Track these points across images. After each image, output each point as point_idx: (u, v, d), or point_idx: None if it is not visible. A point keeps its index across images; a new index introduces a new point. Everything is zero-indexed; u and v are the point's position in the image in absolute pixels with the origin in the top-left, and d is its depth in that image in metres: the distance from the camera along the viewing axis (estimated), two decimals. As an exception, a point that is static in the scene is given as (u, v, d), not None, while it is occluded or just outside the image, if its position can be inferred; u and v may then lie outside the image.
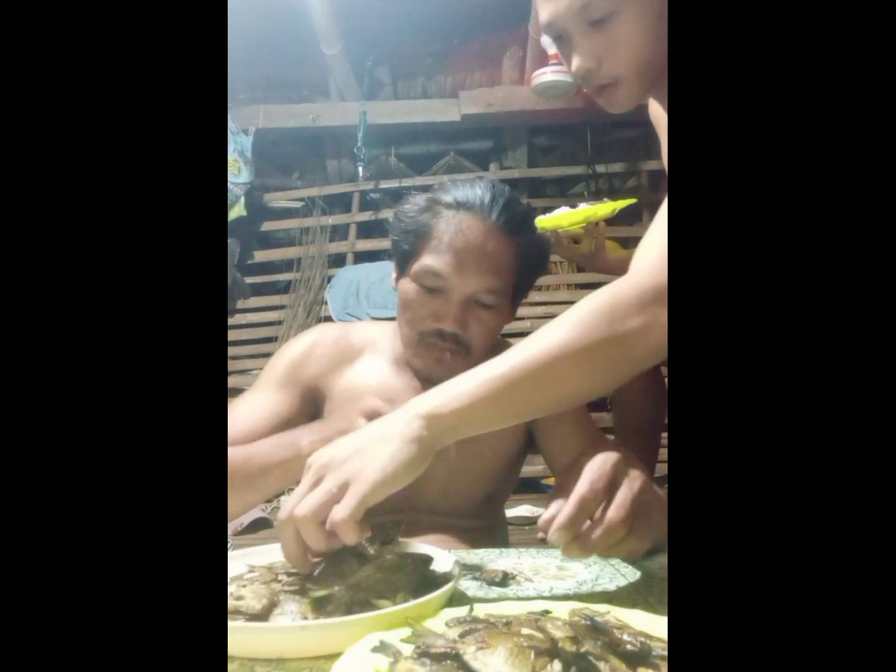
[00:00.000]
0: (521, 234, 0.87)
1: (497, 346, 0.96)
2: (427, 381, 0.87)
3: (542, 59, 2.23)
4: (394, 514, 0.78)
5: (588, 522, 0.52)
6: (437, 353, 0.85)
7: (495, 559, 0.75)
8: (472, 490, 0.94)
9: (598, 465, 0.54)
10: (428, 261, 0.84)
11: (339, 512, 0.51)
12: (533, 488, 2.47)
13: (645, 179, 2.94)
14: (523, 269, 0.89)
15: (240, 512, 0.77)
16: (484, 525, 0.96)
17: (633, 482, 0.54)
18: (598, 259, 1.29)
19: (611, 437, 1.51)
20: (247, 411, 0.87)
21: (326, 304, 2.84)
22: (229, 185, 2.57)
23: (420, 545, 0.67)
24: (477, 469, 0.93)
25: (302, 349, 0.94)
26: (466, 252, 0.83)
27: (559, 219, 1.12)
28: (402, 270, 0.90)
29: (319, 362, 0.93)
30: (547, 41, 2.18)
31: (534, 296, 2.80)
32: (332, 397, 0.92)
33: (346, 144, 2.78)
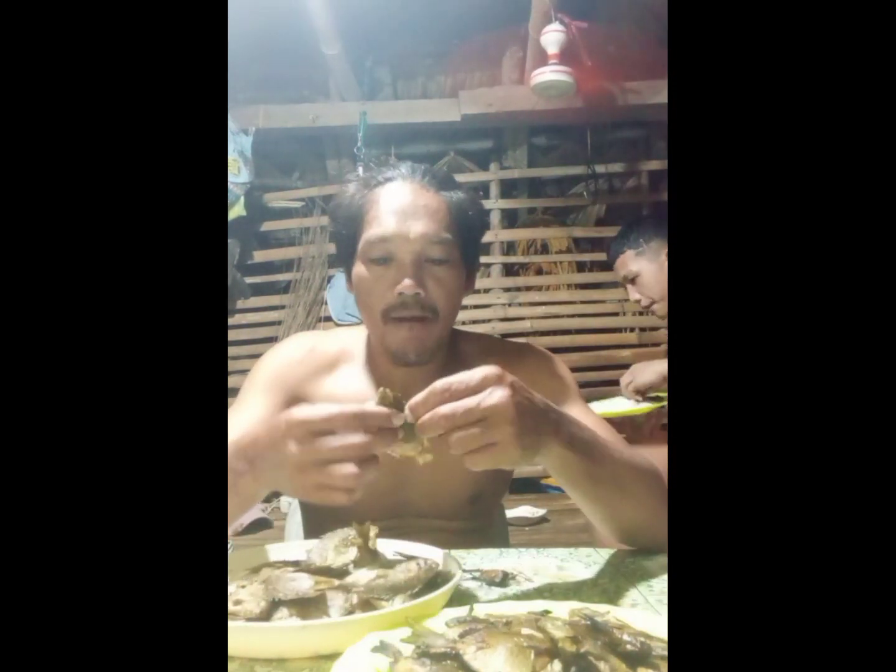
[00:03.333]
0: (449, 190, 0.91)
1: (459, 335, 0.98)
2: (403, 361, 0.87)
3: (542, 59, 2.22)
4: (382, 520, 0.78)
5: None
6: (406, 326, 0.85)
7: (495, 559, 0.75)
8: (456, 490, 0.93)
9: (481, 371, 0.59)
10: (371, 232, 0.87)
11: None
12: (533, 488, 2.47)
13: (645, 179, 2.93)
14: (462, 224, 0.90)
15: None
16: (474, 526, 0.96)
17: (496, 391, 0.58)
18: (653, 438, 1.76)
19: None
20: (235, 421, 0.88)
21: (326, 304, 2.84)
22: (229, 185, 2.56)
23: (422, 546, 0.67)
24: (458, 469, 0.92)
25: (283, 357, 0.96)
26: (402, 210, 0.86)
27: (615, 413, 1.55)
28: (351, 261, 0.92)
29: (301, 369, 0.94)
30: (547, 41, 2.18)
31: (534, 296, 2.83)
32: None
33: (346, 144, 2.77)
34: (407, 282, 0.84)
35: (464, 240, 0.90)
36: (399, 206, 0.87)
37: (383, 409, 0.57)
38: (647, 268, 1.91)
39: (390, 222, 0.86)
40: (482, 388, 0.58)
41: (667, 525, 0.71)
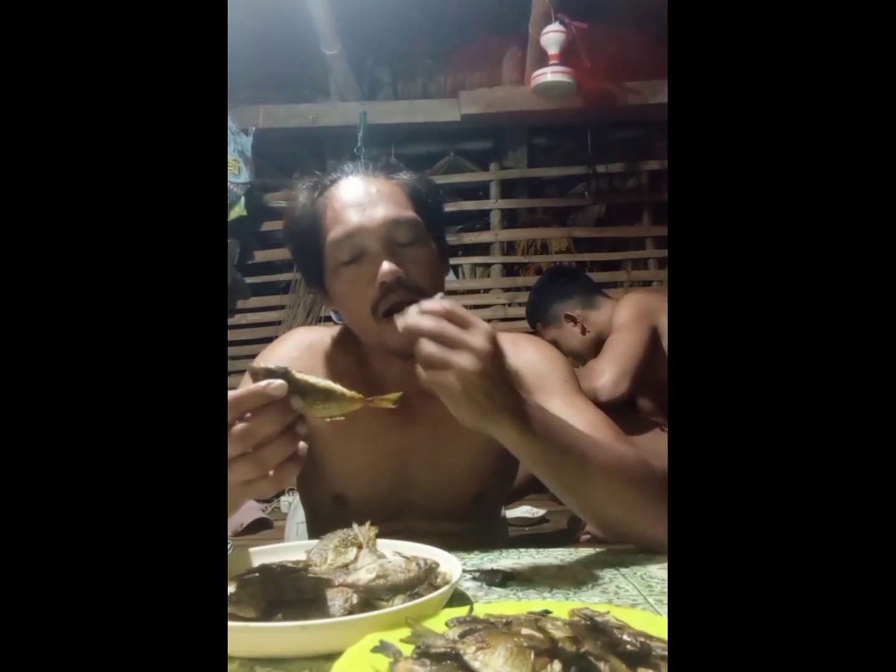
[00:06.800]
0: (398, 175, 0.90)
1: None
2: (407, 355, 0.82)
3: (542, 59, 2.23)
4: (386, 521, 0.77)
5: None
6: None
7: (495, 559, 0.75)
8: (459, 489, 0.93)
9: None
10: (333, 234, 0.85)
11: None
12: (533, 489, 2.46)
13: (645, 179, 2.94)
14: (420, 203, 0.89)
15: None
16: (477, 527, 0.95)
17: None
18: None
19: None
20: None
21: (326, 304, 2.84)
22: (229, 185, 2.56)
23: (422, 547, 0.67)
24: (461, 467, 0.92)
25: (281, 354, 0.95)
26: (359, 202, 0.85)
27: None
28: (321, 278, 0.91)
29: (298, 366, 0.92)
30: (547, 41, 2.18)
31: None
32: None
33: (346, 144, 2.77)
34: (385, 266, 0.81)
35: (426, 218, 0.88)
36: (354, 199, 0.85)
37: (255, 387, 0.56)
38: (557, 334, 2.02)
39: (351, 216, 0.84)
40: (474, 331, 0.63)
41: (653, 521, 0.71)
